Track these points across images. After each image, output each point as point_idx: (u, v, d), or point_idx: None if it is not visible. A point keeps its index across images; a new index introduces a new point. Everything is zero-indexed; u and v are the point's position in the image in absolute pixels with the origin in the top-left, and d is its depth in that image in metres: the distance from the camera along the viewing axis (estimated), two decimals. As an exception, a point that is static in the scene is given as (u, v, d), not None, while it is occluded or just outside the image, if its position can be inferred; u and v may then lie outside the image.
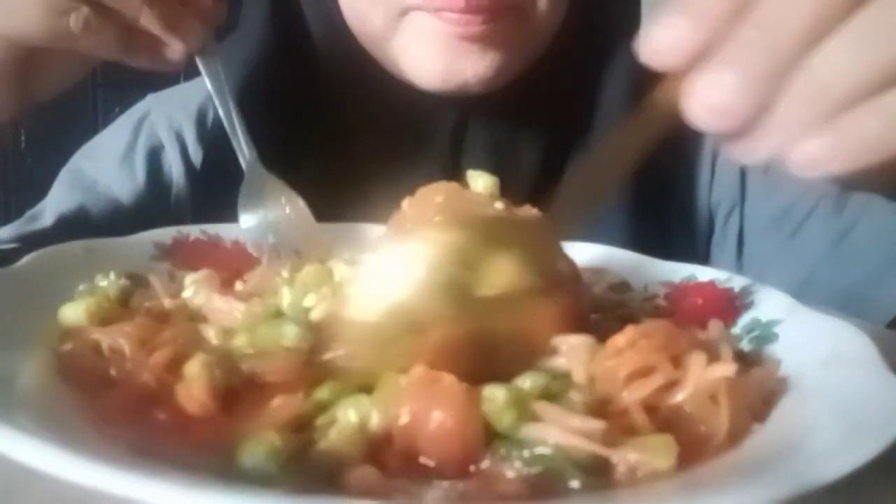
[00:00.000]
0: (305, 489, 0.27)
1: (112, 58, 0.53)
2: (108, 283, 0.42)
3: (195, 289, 0.43)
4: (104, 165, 0.73)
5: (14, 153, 1.65)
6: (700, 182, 0.73)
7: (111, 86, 1.57)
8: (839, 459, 0.26)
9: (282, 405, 0.31)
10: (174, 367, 0.34)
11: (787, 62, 0.28)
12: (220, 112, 0.57)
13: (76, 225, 0.69)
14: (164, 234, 0.51)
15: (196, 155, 0.73)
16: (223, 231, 0.53)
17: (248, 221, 0.54)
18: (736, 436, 0.32)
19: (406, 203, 0.43)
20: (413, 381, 0.31)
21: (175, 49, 0.54)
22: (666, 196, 0.71)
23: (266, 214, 0.54)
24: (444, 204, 0.41)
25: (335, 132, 0.69)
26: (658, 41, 0.30)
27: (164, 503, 0.23)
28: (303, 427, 0.31)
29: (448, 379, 0.31)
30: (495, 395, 0.31)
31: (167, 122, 0.74)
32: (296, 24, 0.71)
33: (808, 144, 0.28)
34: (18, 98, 0.56)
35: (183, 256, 0.50)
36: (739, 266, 0.71)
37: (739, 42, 0.28)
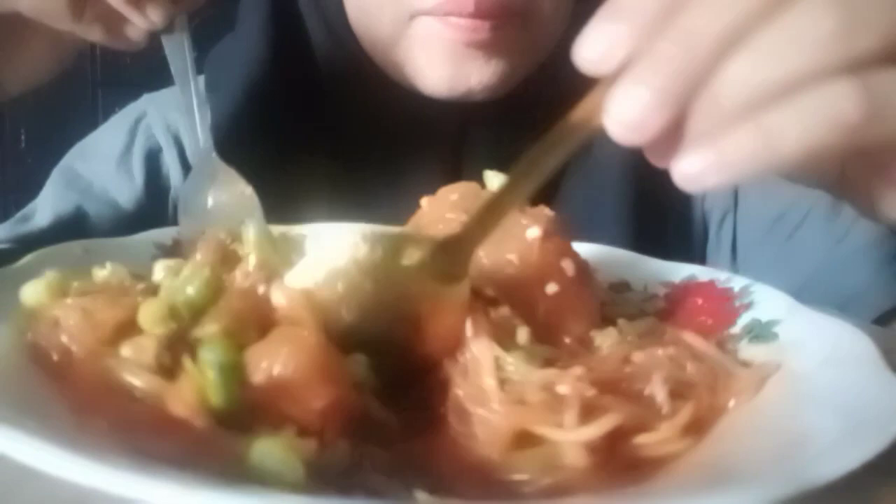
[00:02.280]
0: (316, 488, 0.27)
1: (61, 27, 0.50)
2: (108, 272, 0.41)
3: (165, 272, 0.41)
4: (100, 167, 0.73)
5: (14, 153, 1.65)
6: None
7: (111, 86, 1.57)
8: (839, 459, 0.26)
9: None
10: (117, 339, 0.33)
11: (696, 78, 0.28)
12: (181, 95, 0.54)
13: (73, 226, 0.69)
14: (165, 234, 0.51)
15: (194, 158, 0.73)
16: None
17: (186, 212, 0.52)
18: None
19: (425, 202, 0.44)
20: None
21: (136, 27, 0.51)
22: (663, 200, 0.71)
23: (208, 201, 0.52)
24: (459, 202, 0.42)
25: (335, 135, 0.69)
26: (590, 47, 0.29)
27: (163, 503, 0.23)
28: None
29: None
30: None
31: (164, 123, 0.73)
32: (294, 28, 0.71)
33: (685, 160, 0.28)
34: None
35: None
36: (734, 272, 0.71)
37: (653, 56, 0.28)
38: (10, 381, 0.31)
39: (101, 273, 0.40)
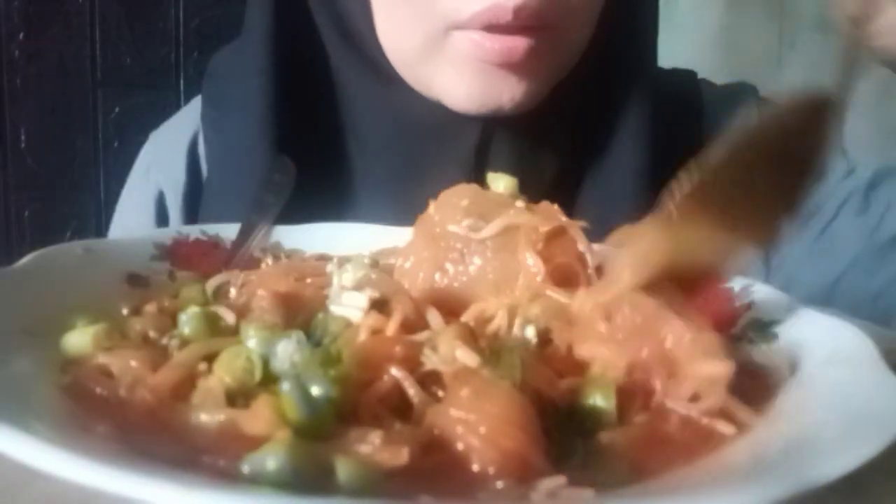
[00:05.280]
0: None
1: None
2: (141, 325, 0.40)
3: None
4: (128, 217, 0.77)
5: (14, 153, 1.65)
6: None
7: (111, 86, 1.57)
8: (839, 459, 0.26)
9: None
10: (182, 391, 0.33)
11: None
12: None
13: None
14: (164, 234, 0.51)
15: (187, 188, 0.75)
16: (223, 231, 0.53)
17: None
18: None
19: (431, 207, 0.43)
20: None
21: None
22: None
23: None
24: (471, 208, 0.42)
25: (352, 141, 0.69)
26: None
27: (164, 503, 0.23)
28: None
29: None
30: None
31: (168, 170, 0.75)
32: (304, 35, 0.69)
33: None
34: None
35: (183, 256, 0.50)
36: (767, 270, 0.71)
37: None
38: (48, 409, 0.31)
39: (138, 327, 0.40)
